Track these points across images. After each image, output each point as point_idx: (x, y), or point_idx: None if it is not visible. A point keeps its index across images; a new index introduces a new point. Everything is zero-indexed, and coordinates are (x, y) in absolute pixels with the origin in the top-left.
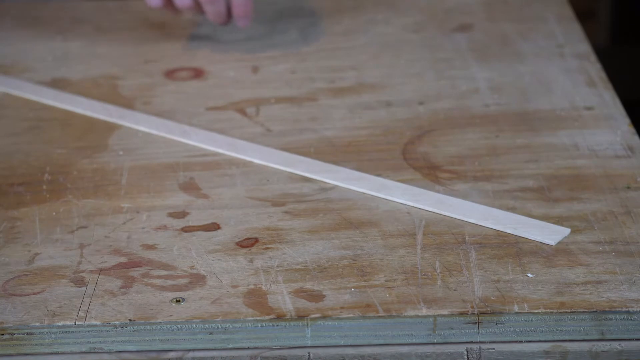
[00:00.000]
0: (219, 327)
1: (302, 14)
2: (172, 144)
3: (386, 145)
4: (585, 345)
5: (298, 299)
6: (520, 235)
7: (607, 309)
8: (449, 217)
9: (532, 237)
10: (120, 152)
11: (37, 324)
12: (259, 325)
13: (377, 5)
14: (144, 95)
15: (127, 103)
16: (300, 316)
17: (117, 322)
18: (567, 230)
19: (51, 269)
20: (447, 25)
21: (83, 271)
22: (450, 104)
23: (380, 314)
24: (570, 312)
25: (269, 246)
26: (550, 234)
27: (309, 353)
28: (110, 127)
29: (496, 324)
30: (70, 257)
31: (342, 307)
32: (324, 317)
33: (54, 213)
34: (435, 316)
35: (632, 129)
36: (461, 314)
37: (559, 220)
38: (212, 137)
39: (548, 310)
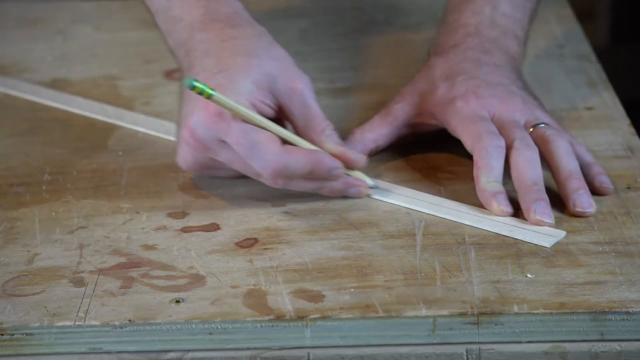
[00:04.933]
0: (219, 327)
1: (302, 14)
2: (172, 145)
3: None
4: (584, 346)
5: (297, 299)
6: (516, 237)
7: (606, 310)
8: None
9: (527, 240)
10: (120, 153)
11: (37, 324)
12: (259, 326)
13: (377, 5)
14: (144, 95)
15: (127, 103)
16: (300, 317)
17: (116, 323)
18: (562, 233)
19: (51, 270)
20: None
21: (82, 271)
22: None
23: (379, 315)
24: (570, 312)
25: (269, 247)
26: (545, 237)
27: (308, 353)
28: (110, 128)
29: (496, 325)
30: (70, 258)
31: (341, 308)
32: (323, 318)
33: (54, 213)
34: (434, 317)
35: (632, 130)
36: (461, 314)
37: (558, 220)
38: None
39: (548, 310)
